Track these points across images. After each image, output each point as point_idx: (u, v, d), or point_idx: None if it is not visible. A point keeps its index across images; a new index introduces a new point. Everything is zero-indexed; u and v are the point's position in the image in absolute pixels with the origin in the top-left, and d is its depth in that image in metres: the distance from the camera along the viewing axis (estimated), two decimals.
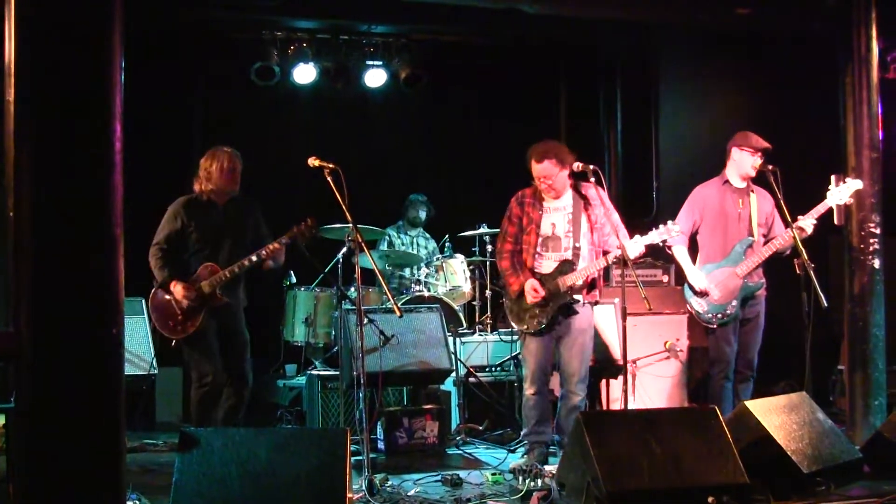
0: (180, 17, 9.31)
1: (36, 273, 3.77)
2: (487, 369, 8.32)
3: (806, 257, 6.73)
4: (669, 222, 6.57)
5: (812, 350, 6.94)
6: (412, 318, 7.62)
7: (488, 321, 8.87)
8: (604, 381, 7.80)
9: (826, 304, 6.68)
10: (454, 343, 8.01)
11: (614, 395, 7.74)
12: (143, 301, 8.40)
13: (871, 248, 7.48)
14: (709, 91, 10.24)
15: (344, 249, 7.95)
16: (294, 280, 8.67)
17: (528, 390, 6.68)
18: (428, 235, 10.00)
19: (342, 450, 4.96)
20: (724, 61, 10.06)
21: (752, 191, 7.24)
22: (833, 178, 7.18)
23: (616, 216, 6.67)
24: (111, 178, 3.85)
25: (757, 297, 7.19)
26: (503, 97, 10.72)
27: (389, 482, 5.96)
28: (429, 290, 8.84)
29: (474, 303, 9.27)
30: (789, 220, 6.89)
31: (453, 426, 7.90)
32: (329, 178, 6.04)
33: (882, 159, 7.58)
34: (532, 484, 5.79)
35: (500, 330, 8.65)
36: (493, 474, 6.33)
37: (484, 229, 8.96)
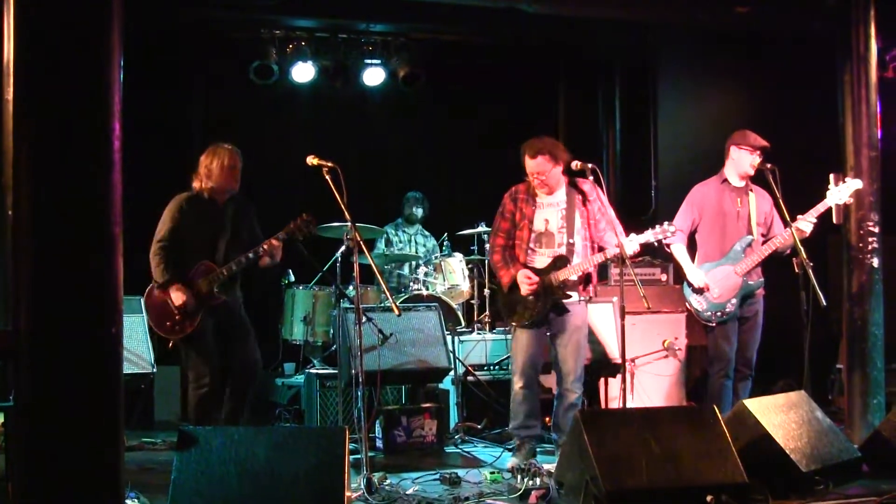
0: (179, 16, 9.30)
1: (35, 272, 3.78)
2: (486, 368, 8.31)
3: (805, 256, 6.74)
4: (665, 223, 6.57)
5: (811, 349, 6.95)
6: (411, 316, 7.62)
7: (487, 320, 8.86)
8: (602, 380, 7.80)
9: (825, 303, 6.69)
10: (452, 341, 8.01)
11: (613, 393, 7.74)
12: (142, 300, 8.40)
13: (869, 247, 7.48)
14: (707, 90, 10.25)
15: (342, 248, 7.95)
16: (292, 279, 8.66)
17: (517, 384, 6.66)
18: (427, 233, 10.00)
19: (340, 448, 4.96)
20: (722, 60, 10.06)
21: (751, 190, 7.25)
22: (832, 177, 7.18)
23: (611, 212, 6.65)
24: (110, 176, 3.86)
25: (756, 295, 7.19)
26: (502, 96, 10.72)
27: (388, 481, 5.95)
28: (427, 289, 8.84)
29: (473, 301, 9.27)
30: (788, 219, 6.89)
31: (452, 425, 7.90)
32: (328, 177, 6.03)
33: (881, 158, 7.58)
34: (530, 482, 5.78)
35: (498, 328, 8.65)
36: (492, 473, 6.33)
37: (482, 228, 8.97)
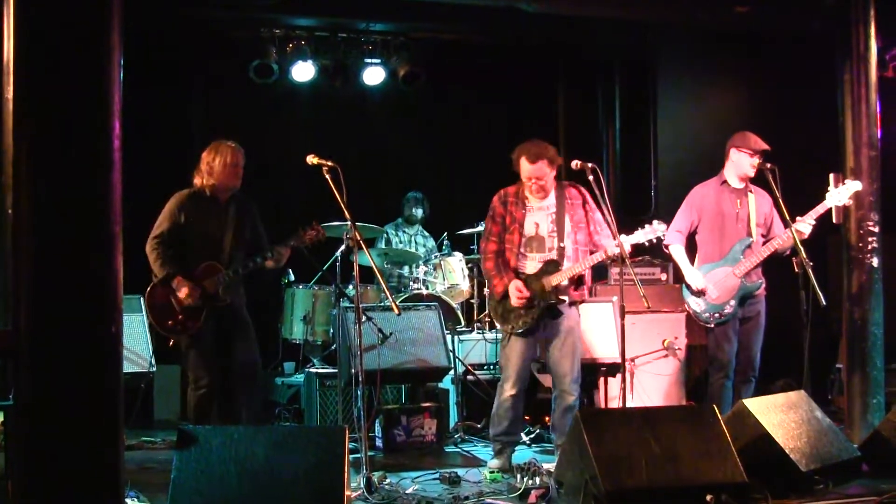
0: (179, 15, 9.30)
1: (35, 271, 3.78)
2: (485, 367, 8.32)
3: (804, 256, 6.73)
4: (655, 221, 6.55)
5: (810, 349, 6.95)
6: (410, 315, 7.62)
7: (486, 319, 8.85)
8: (602, 380, 7.80)
9: (824, 303, 6.69)
10: (452, 341, 8.02)
11: (612, 393, 7.74)
12: (142, 298, 8.39)
13: (869, 247, 7.48)
14: (707, 89, 10.25)
15: (342, 247, 7.95)
16: (292, 278, 8.66)
17: (508, 391, 6.59)
18: (426, 233, 10.00)
19: (340, 448, 4.97)
20: (722, 60, 10.06)
21: (751, 191, 7.24)
22: (832, 177, 7.18)
23: (599, 215, 6.66)
24: (110, 176, 3.85)
25: (756, 296, 7.18)
26: (502, 95, 10.72)
27: (388, 480, 5.96)
28: (427, 288, 8.84)
29: (472, 301, 9.27)
30: (788, 219, 6.88)
31: (451, 424, 7.91)
32: (328, 176, 6.03)
33: (880, 157, 7.58)
34: (530, 482, 5.79)
35: (498, 328, 8.64)
36: (491, 472, 6.34)
37: (482, 227, 8.95)
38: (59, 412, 3.78)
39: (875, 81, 7.57)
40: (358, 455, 6.08)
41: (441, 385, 8.05)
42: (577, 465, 5.38)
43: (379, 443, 7.37)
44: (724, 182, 7.28)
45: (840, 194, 7.06)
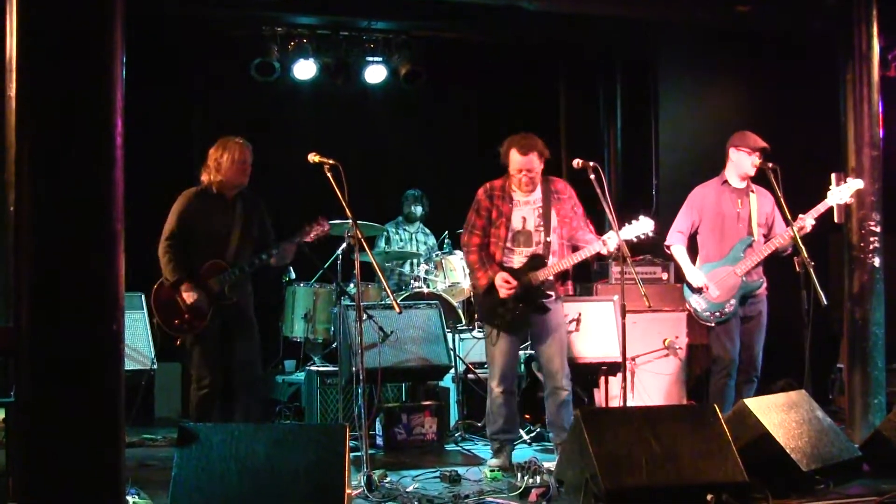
0: (181, 13, 9.30)
1: (36, 269, 3.78)
2: (486, 366, 8.29)
3: (806, 255, 6.73)
4: (642, 217, 6.54)
5: (811, 348, 6.95)
6: (411, 314, 7.62)
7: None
8: (603, 379, 7.80)
9: (826, 303, 6.69)
10: (453, 339, 8.01)
11: (613, 392, 7.74)
12: (143, 296, 8.40)
13: (871, 247, 7.49)
14: (708, 88, 10.24)
15: (343, 245, 7.95)
16: (293, 276, 8.66)
17: (497, 388, 6.58)
18: (427, 231, 10.00)
19: (341, 446, 4.97)
20: (724, 59, 10.05)
21: (752, 190, 7.24)
22: (833, 176, 7.18)
23: (581, 210, 6.68)
24: (112, 173, 3.86)
25: (757, 295, 7.18)
26: (503, 94, 10.72)
27: (388, 478, 5.97)
28: (428, 287, 8.84)
29: (473, 299, 9.26)
30: (789, 218, 6.88)
31: (452, 422, 7.91)
32: (329, 174, 6.03)
33: (882, 157, 7.58)
34: (531, 480, 5.78)
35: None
36: (492, 470, 6.34)
37: None
38: (60, 410, 3.79)
39: (877, 81, 7.58)
40: (358, 453, 6.09)
41: (442, 383, 8.05)
42: (577, 463, 5.38)
43: (379, 441, 7.37)
44: (725, 182, 7.28)
45: (842, 192, 7.06)
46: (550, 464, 6.06)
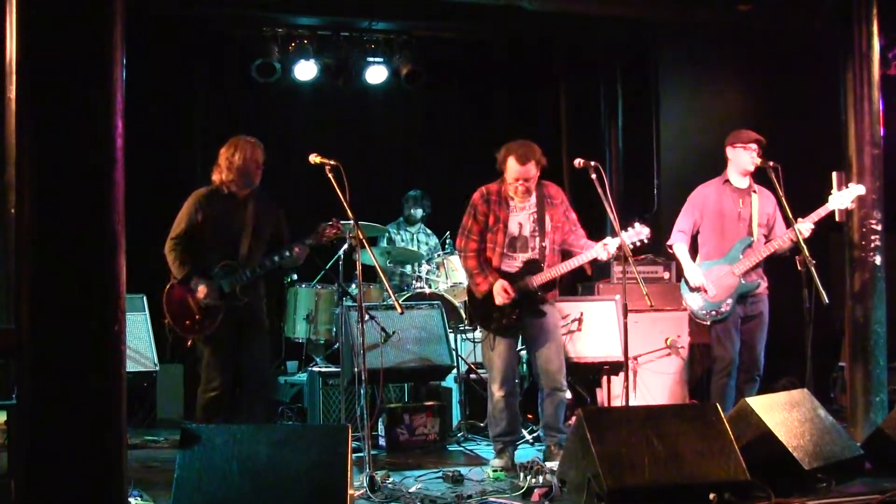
0: (182, 14, 9.31)
1: (37, 270, 3.78)
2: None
3: (807, 254, 6.74)
4: (637, 224, 6.55)
5: (813, 347, 6.95)
6: (413, 314, 7.62)
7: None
8: (605, 378, 7.80)
9: (827, 301, 6.69)
10: (455, 340, 8.01)
11: (615, 391, 7.74)
12: (145, 298, 8.41)
13: (872, 245, 7.48)
14: (709, 87, 10.23)
15: (345, 246, 7.95)
16: (295, 277, 8.66)
17: (498, 392, 6.59)
18: (429, 231, 10.00)
19: (343, 446, 4.96)
20: (724, 58, 10.05)
21: (755, 191, 7.25)
22: (834, 175, 7.19)
23: (574, 215, 6.71)
24: (112, 174, 3.85)
25: (757, 295, 7.18)
26: (504, 94, 10.72)
27: (390, 479, 5.96)
28: (430, 287, 8.85)
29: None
30: (790, 217, 6.89)
31: (454, 423, 7.91)
32: (330, 175, 6.03)
33: (883, 156, 7.58)
34: (533, 480, 5.78)
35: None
36: (494, 470, 6.34)
37: None
38: (62, 411, 3.78)
39: (878, 80, 7.58)
40: (361, 454, 6.09)
41: (444, 384, 8.06)
42: (579, 463, 5.38)
43: (382, 441, 7.37)
44: (727, 181, 7.28)
45: (843, 197, 7.07)
46: (553, 463, 6.06)
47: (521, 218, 6.60)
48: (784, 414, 5.97)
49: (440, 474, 6.30)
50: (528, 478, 5.81)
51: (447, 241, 9.55)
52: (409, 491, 5.79)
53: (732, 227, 7.21)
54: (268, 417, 6.81)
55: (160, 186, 8.72)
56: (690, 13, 8.73)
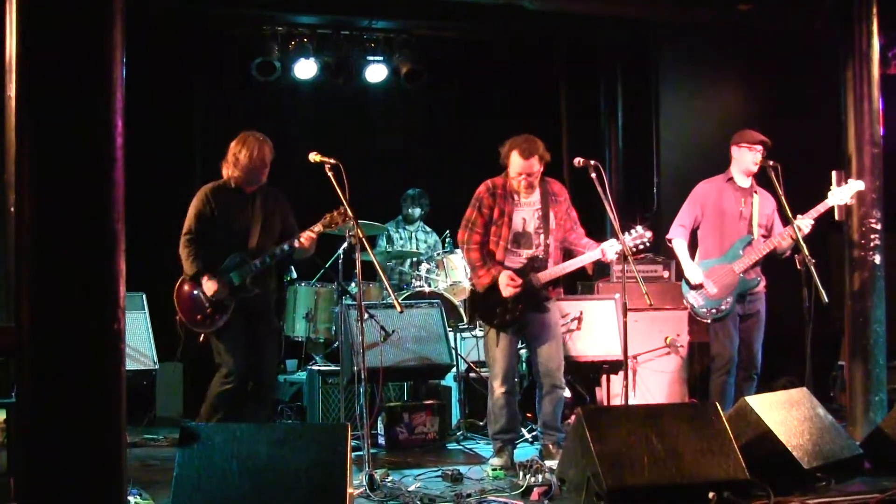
0: (181, 12, 9.30)
1: (37, 268, 3.77)
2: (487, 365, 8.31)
3: (807, 253, 6.75)
4: (639, 227, 6.56)
5: (813, 346, 6.96)
6: (413, 313, 7.62)
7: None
8: (604, 377, 7.80)
9: (827, 300, 6.70)
10: (455, 338, 8.01)
11: (615, 390, 7.74)
12: (144, 296, 8.41)
13: (871, 244, 7.49)
14: (709, 87, 10.24)
15: (344, 245, 7.94)
16: (295, 275, 8.66)
17: (499, 389, 6.58)
18: (428, 229, 10.00)
19: (342, 445, 4.96)
20: (724, 58, 10.05)
21: (756, 191, 7.26)
22: (834, 174, 7.19)
23: (575, 214, 6.72)
24: (112, 173, 3.85)
25: (756, 293, 7.20)
26: (504, 93, 10.72)
27: (390, 477, 5.97)
28: (429, 286, 8.85)
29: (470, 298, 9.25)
30: (790, 216, 6.89)
31: (454, 421, 7.91)
32: (330, 174, 6.03)
33: (883, 155, 7.58)
34: (532, 479, 5.78)
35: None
36: (494, 469, 6.34)
37: None
38: (61, 410, 3.78)
39: (877, 79, 7.58)
40: (360, 452, 6.09)
41: (443, 382, 8.06)
42: (579, 462, 5.38)
43: (381, 440, 7.38)
44: (731, 179, 7.29)
45: (842, 193, 7.08)
46: (552, 462, 6.06)
47: (525, 213, 6.60)
48: (783, 413, 5.98)
49: (439, 473, 6.31)
50: (528, 477, 5.82)
51: (447, 239, 9.55)
52: (409, 490, 5.79)
53: (733, 226, 7.22)
54: (270, 417, 6.80)
55: (160, 186, 8.72)
56: (690, 13, 8.74)
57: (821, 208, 7.01)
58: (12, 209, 3.81)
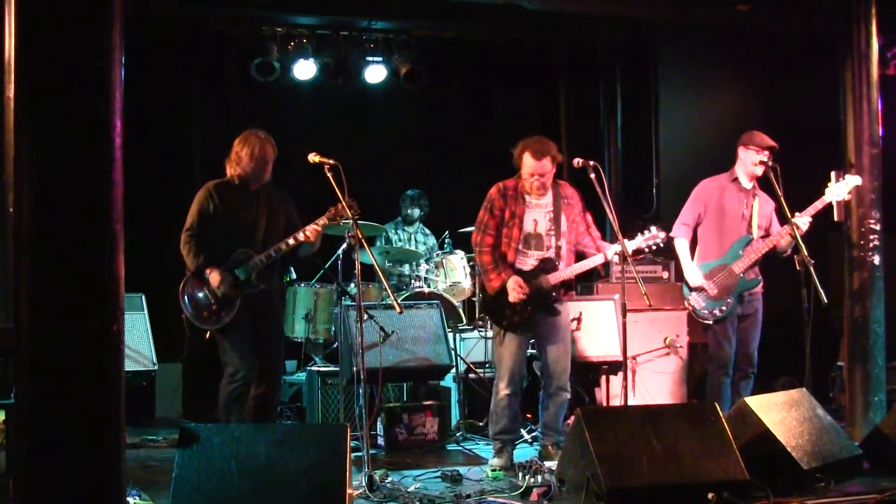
0: (180, 13, 9.31)
1: (36, 269, 3.77)
2: (487, 365, 8.31)
3: (806, 254, 6.75)
4: (653, 228, 6.58)
5: (812, 346, 6.96)
6: (412, 314, 7.62)
7: (488, 317, 8.84)
8: (604, 378, 7.80)
9: (826, 301, 6.70)
10: (454, 339, 8.01)
11: (614, 391, 7.74)
12: (143, 297, 8.40)
13: (870, 245, 7.49)
14: (709, 87, 10.24)
15: (344, 245, 7.95)
16: (294, 276, 8.65)
17: (504, 390, 6.58)
18: (427, 231, 10.00)
19: (342, 446, 4.96)
20: (724, 58, 10.06)
21: (757, 194, 7.26)
22: (833, 174, 7.19)
23: (589, 217, 6.73)
24: (111, 173, 3.85)
25: (754, 293, 7.20)
26: (503, 93, 10.73)
27: (389, 478, 5.96)
28: (429, 286, 8.84)
29: (474, 299, 9.25)
30: (789, 216, 6.89)
31: (453, 422, 7.91)
32: (329, 174, 6.03)
33: (882, 155, 7.58)
34: (532, 480, 5.78)
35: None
36: (493, 470, 6.34)
37: None
38: (60, 411, 3.78)
39: (876, 79, 7.58)
40: (360, 453, 6.09)
41: (443, 383, 8.05)
42: (578, 462, 5.38)
43: (381, 441, 7.37)
44: (735, 179, 7.28)
45: (839, 189, 7.08)
46: (552, 463, 6.06)
47: (536, 215, 6.61)
48: (783, 413, 5.98)
49: (439, 474, 6.30)
50: (527, 477, 5.81)
51: (446, 240, 9.55)
52: (408, 490, 5.79)
53: (733, 226, 7.22)
54: (273, 417, 6.79)
55: (159, 186, 8.72)
56: (690, 13, 8.74)
57: (818, 205, 7.01)
58: (11, 209, 3.81)
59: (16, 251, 3.82)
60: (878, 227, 7.51)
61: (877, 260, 7.50)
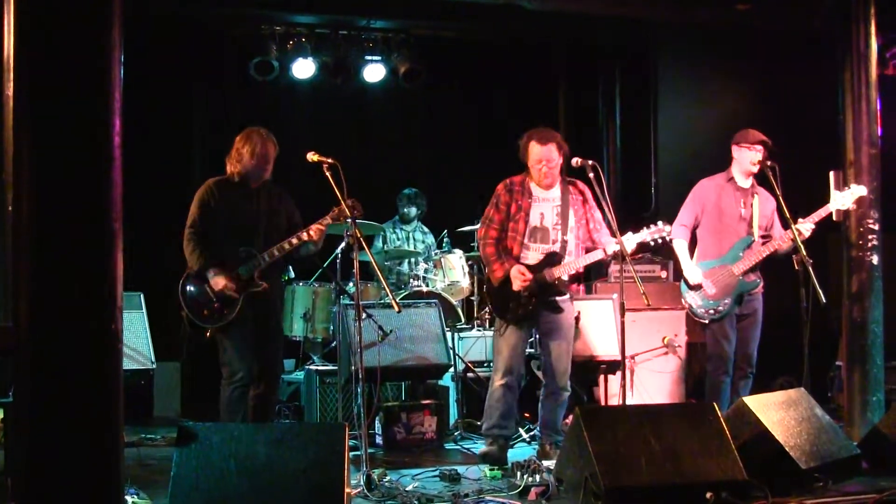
0: (180, 13, 9.30)
1: (35, 268, 3.78)
2: (485, 364, 8.32)
3: (805, 254, 6.75)
4: (660, 222, 6.59)
5: (810, 346, 6.95)
6: (410, 313, 7.62)
7: (487, 316, 8.85)
8: (602, 377, 7.80)
9: (824, 301, 6.69)
10: (452, 338, 8.01)
11: (612, 390, 7.74)
12: (142, 296, 8.40)
13: (869, 245, 7.49)
14: (708, 87, 10.25)
15: (342, 244, 7.95)
16: (292, 275, 8.64)
17: (498, 381, 6.62)
18: (426, 229, 9.99)
19: (340, 445, 4.97)
20: (723, 58, 10.06)
21: (757, 192, 7.26)
22: (832, 174, 7.20)
23: (599, 213, 6.73)
24: (111, 173, 3.86)
25: (754, 293, 7.20)
26: (502, 92, 10.73)
27: (387, 477, 5.96)
28: (427, 286, 8.84)
29: (473, 298, 9.27)
30: (788, 217, 6.89)
31: (451, 421, 7.91)
32: (328, 173, 6.02)
33: (881, 155, 7.59)
34: (530, 479, 5.78)
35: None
36: (491, 469, 6.34)
37: None
38: (59, 409, 3.78)
39: (875, 79, 7.59)
40: (358, 452, 6.08)
41: (441, 382, 8.06)
42: (577, 462, 5.38)
43: (379, 440, 7.37)
44: (731, 179, 7.29)
45: (844, 198, 7.09)
46: (550, 462, 6.06)
47: (543, 209, 6.63)
48: (781, 413, 5.98)
49: (437, 473, 6.31)
50: (525, 476, 5.81)
51: (444, 239, 9.55)
52: (406, 489, 5.79)
53: (732, 226, 7.22)
54: (272, 416, 6.79)
55: (159, 185, 8.72)
56: (689, 13, 8.74)
57: (822, 213, 7.01)
58: (10, 208, 3.81)
59: (15, 250, 3.82)
60: (876, 228, 7.51)
61: (875, 260, 7.50)
